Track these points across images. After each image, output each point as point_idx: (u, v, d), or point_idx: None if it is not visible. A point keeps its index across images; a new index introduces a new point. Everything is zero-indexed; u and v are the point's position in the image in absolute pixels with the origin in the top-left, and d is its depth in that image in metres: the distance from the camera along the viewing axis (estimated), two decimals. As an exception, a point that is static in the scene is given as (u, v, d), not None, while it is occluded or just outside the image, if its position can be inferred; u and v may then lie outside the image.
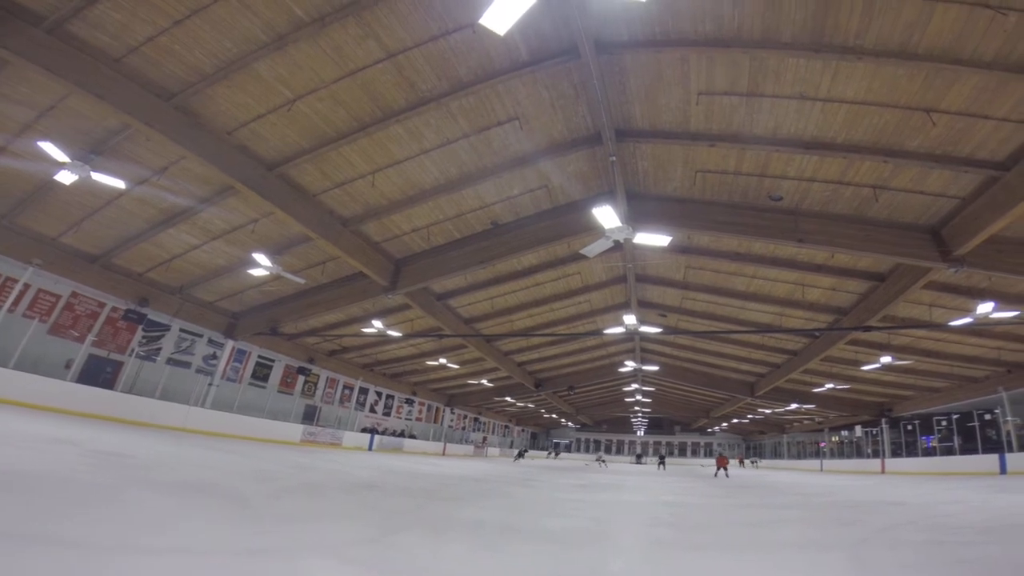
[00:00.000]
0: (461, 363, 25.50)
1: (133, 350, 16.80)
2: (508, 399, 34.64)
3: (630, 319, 15.42)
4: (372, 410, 28.96)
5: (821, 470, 32.76)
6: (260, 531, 4.10)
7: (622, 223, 9.06)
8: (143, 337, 17.04)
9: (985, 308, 11.97)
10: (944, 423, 23.70)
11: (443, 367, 25.65)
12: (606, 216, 8.99)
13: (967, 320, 12.82)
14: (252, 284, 16.33)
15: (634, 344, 25.66)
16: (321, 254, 14.92)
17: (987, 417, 21.28)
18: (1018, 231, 10.45)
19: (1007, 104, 7.94)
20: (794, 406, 28.65)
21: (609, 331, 17.34)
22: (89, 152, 10.34)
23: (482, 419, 42.93)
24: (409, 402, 32.50)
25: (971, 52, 7.25)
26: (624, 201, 11.33)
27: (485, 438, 42.09)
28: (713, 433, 54.50)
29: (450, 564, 3.80)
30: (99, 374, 15.72)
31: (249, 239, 13.72)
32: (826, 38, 7.56)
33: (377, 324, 17.67)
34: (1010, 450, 18.85)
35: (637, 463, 46.35)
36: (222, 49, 8.63)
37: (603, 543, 5.01)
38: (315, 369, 24.31)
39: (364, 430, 26.51)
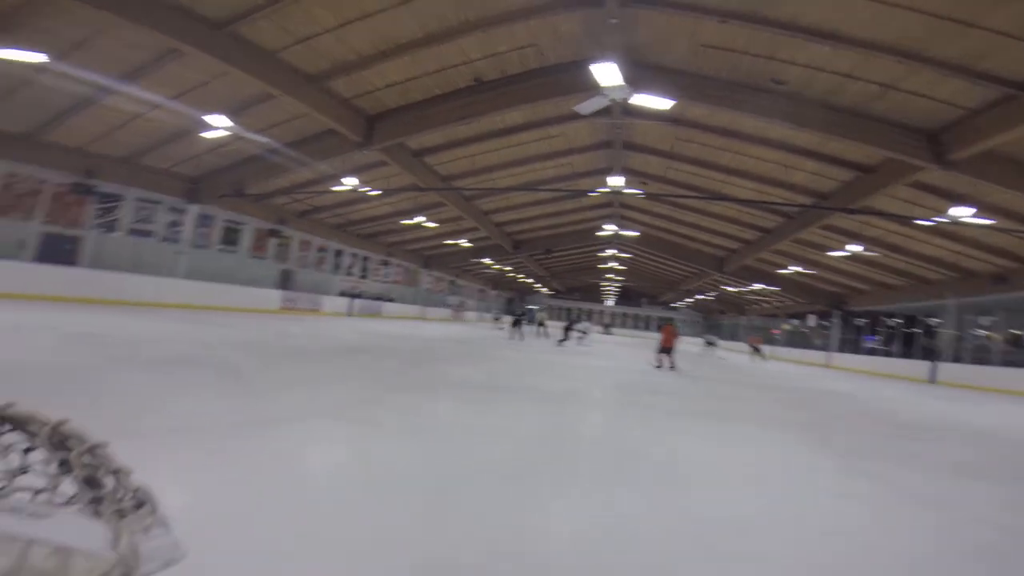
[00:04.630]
0: (440, 222, 24.89)
1: (89, 223, 15.85)
2: (486, 260, 34.93)
3: (615, 180, 15.27)
4: (348, 273, 29.00)
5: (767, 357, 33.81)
6: (260, 401, 4.12)
7: (623, 82, 8.45)
8: (98, 209, 16.04)
9: (961, 212, 12.44)
10: (889, 324, 25.12)
11: (420, 227, 24.98)
12: (606, 73, 8.38)
13: (942, 220, 13.16)
14: (209, 148, 15.01)
15: (613, 211, 25.61)
16: (285, 113, 13.58)
17: (929, 324, 22.70)
18: (1012, 150, 10.57)
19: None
20: (757, 286, 29.70)
21: (596, 191, 17.75)
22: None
23: (459, 283, 43.62)
24: (385, 264, 32.59)
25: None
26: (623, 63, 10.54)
27: (462, 302, 43.15)
28: (676, 308, 56.94)
29: (456, 418, 4.10)
30: (58, 252, 14.79)
31: (200, 101, 12.21)
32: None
33: (351, 181, 16.76)
34: (942, 359, 20.15)
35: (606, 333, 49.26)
36: None
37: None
38: (286, 231, 23.58)
39: (343, 294, 26.78)
